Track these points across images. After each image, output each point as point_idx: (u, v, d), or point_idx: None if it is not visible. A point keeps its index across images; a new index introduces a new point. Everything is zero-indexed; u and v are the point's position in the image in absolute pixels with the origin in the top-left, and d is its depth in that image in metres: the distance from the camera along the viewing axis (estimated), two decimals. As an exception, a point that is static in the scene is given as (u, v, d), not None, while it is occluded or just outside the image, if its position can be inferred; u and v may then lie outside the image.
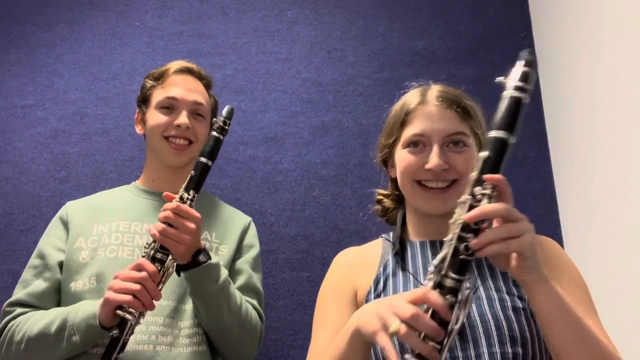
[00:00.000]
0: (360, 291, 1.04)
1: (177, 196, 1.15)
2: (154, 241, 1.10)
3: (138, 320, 1.05)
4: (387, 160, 1.13)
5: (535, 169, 1.85)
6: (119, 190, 1.46)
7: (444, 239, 0.81)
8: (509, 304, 0.91)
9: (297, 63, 2.03)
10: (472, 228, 0.76)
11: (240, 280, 1.31)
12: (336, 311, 1.03)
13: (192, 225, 1.11)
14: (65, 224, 1.32)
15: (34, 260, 1.29)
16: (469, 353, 0.87)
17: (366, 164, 1.88)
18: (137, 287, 1.04)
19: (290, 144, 1.91)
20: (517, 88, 0.81)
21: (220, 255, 1.32)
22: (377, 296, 1.01)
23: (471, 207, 0.77)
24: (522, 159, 1.85)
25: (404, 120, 1.06)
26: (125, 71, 2.02)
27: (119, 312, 1.04)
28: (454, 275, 0.75)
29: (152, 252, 1.09)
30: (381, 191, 1.19)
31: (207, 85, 1.46)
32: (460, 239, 0.76)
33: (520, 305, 0.91)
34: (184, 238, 1.10)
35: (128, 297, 1.04)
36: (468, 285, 0.75)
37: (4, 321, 1.20)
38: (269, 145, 1.91)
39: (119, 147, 1.91)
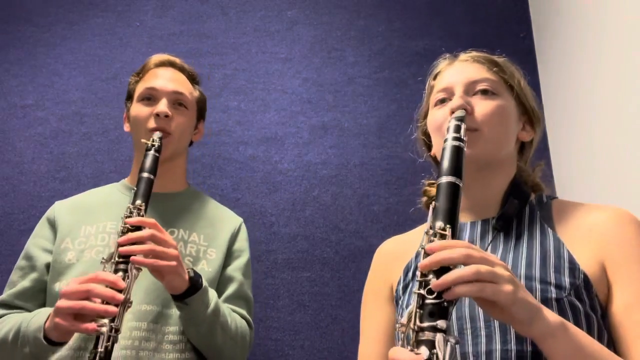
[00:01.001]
0: (395, 285, 0.99)
1: (127, 211, 1.08)
2: (110, 258, 1.02)
3: (114, 335, 0.95)
4: (428, 141, 1.06)
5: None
6: (108, 189, 1.42)
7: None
8: (539, 294, 0.80)
9: (297, 63, 2.03)
10: (435, 271, 0.68)
11: (231, 288, 1.28)
12: (375, 313, 1.01)
13: (169, 238, 1.06)
14: (52, 225, 1.29)
15: (20, 262, 1.27)
16: (479, 349, 0.80)
17: (366, 164, 1.88)
18: (87, 287, 0.96)
19: (290, 144, 1.91)
20: (456, 139, 0.82)
21: (208, 259, 1.27)
22: (405, 287, 0.95)
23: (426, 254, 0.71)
24: (522, 159, 1.86)
25: (432, 86, 1.03)
26: (125, 71, 2.02)
27: (89, 326, 0.95)
28: (425, 324, 0.64)
29: (113, 265, 1.01)
30: (427, 181, 1.10)
31: (192, 78, 1.42)
32: (423, 284, 0.68)
33: (555, 295, 0.79)
34: (173, 254, 1.04)
35: (76, 303, 0.95)
36: (441, 326, 0.64)
37: None
38: (269, 145, 1.91)
39: (119, 147, 1.91)
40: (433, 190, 1.06)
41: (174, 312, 1.17)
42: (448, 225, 0.72)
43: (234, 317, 1.23)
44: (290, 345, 1.67)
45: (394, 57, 2.03)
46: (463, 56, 1.03)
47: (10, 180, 1.87)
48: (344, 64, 2.02)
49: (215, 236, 1.32)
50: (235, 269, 1.31)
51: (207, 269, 1.26)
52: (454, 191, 0.75)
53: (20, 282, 1.23)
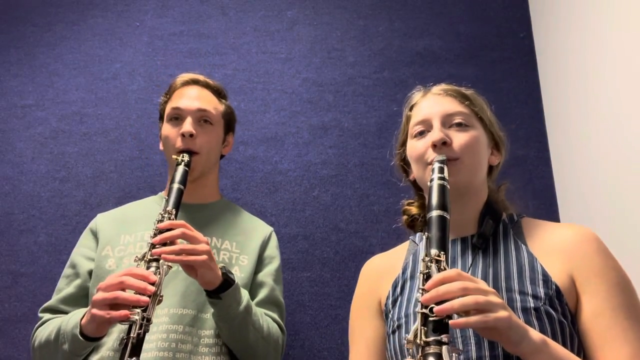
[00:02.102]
0: (383, 298, 1.05)
1: (159, 216, 1.16)
2: (143, 257, 1.09)
3: (146, 324, 0.99)
4: (407, 167, 1.15)
5: (535, 169, 1.85)
6: (146, 201, 1.48)
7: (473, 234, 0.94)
8: (519, 304, 0.88)
9: (297, 63, 2.03)
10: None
11: (262, 293, 1.32)
12: (365, 326, 1.05)
13: (199, 235, 1.12)
14: (94, 234, 1.37)
15: (66, 270, 1.34)
16: (470, 355, 0.86)
17: (366, 164, 1.88)
18: (121, 279, 1.02)
19: (290, 144, 1.91)
20: (441, 178, 0.94)
21: (240, 265, 1.33)
22: (394, 301, 1.01)
23: (427, 277, 0.81)
24: (522, 159, 1.85)
25: (408, 116, 1.12)
26: (125, 71, 2.03)
27: (121, 313, 0.99)
28: (431, 338, 0.72)
29: (146, 263, 1.08)
30: (405, 201, 1.20)
31: (217, 93, 1.46)
32: (426, 307, 0.76)
33: (533, 305, 0.88)
34: (204, 249, 1.10)
35: (111, 293, 1.01)
36: (445, 340, 0.72)
37: (34, 328, 1.26)
38: (269, 145, 1.91)
39: (119, 147, 1.91)
40: (413, 209, 1.16)
41: (210, 316, 1.22)
42: (442, 252, 0.83)
43: (266, 319, 1.27)
44: (290, 345, 1.67)
45: (394, 57, 2.03)
46: (436, 89, 1.11)
47: (10, 180, 1.87)
48: (344, 64, 2.02)
49: (247, 244, 1.37)
50: (266, 274, 1.35)
51: (239, 274, 1.30)
52: (443, 223, 0.87)
53: (65, 288, 1.30)
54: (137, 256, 1.10)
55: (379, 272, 1.10)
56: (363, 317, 1.06)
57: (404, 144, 1.13)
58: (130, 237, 1.33)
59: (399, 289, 1.02)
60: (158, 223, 1.14)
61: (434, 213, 0.88)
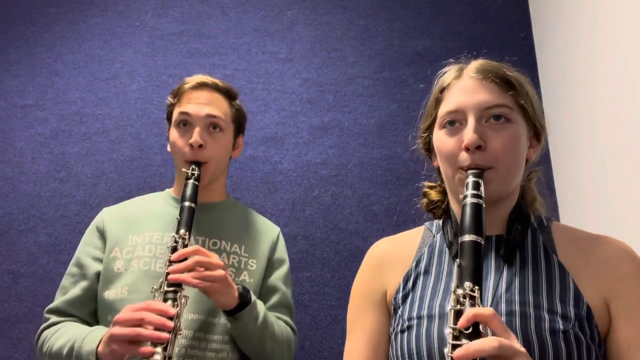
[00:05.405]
0: (390, 290, 0.97)
1: (172, 240, 1.15)
2: (160, 287, 1.09)
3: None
4: (431, 149, 1.02)
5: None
6: (153, 198, 1.45)
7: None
8: (547, 324, 0.80)
9: (297, 63, 2.03)
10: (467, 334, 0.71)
11: (275, 298, 1.32)
12: (365, 316, 0.98)
13: (214, 260, 1.11)
14: (101, 233, 1.33)
15: (72, 268, 1.31)
16: None
17: (366, 164, 1.88)
18: (140, 315, 1.01)
19: (290, 144, 1.91)
20: (476, 196, 0.83)
21: (249, 270, 1.31)
22: (405, 296, 0.93)
23: (458, 314, 0.75)
24: (522, 159, 1.85)
25: (438, 99, 0.96)
26: (125, 71, 2.03)
27: (146, 350, 1.00)
28: None
29: (162, 294, 1.07)
30: (427, 183, 1.08)
31: (228, 95, 1.42)
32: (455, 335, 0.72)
33: (562, 326, 0.80)
34: (221, 275, 1.09)
35: (132, 330, 1.00)
36: None
37: (41, 328, 1.25)
38: (269, 145, 1.91)
39: (119, 147, 1.91)
40: (433, 194, 1.05)
41: (219, 321, 1.22)
42: (477, 287, 0.75)
43: (280, 324, 1.27)
44: (290, 345, 1.67)
45: (394, 57, 2.03)
46: (473, 70, 0.94)
47: (10, 180, 1.87)
48: (344, 64, 2.02)
49: (256, 248, 1.36)
50: (276, 278, 1.35)
51: (248, 280, 1.30)
52: (477, 250, 0.78)
53: (71, 289, 1.27)
54: (153, 287, 1.09)
55: (385, 260, 1.00)
56: (365, 306, 0.99)
57: (428, 127, 0.99)
58: (138, 237, 1.30)
59: (410, 284, 0.94)
60: (172, 251, 1.12)
61: (467, 238, 0.79)
